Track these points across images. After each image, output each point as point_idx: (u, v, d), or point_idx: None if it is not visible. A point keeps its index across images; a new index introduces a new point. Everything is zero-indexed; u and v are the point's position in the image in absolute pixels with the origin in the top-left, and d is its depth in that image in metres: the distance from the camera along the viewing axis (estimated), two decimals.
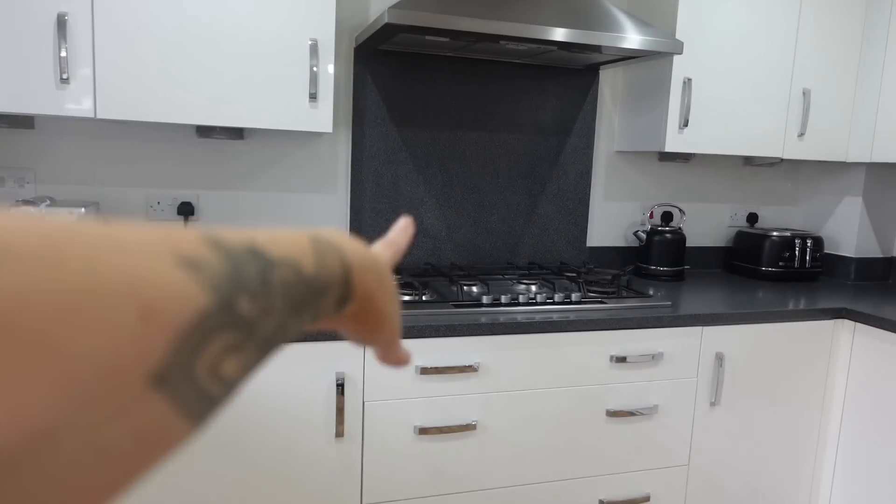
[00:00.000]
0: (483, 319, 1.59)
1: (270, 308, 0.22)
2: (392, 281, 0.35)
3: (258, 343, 0.22)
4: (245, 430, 1.45)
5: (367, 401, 1.53)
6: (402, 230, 0.42)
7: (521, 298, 1.71)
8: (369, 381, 1.52)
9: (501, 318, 1.60)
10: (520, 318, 1.62)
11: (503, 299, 1.69)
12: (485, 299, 1.68)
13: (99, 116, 1.51)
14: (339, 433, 1.50)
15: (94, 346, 0.17)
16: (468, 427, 1.60)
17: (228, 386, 0.21)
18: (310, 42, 1.62)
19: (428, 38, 1.70)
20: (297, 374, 1.47)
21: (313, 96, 1.64)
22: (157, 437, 0.19)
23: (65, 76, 1.46)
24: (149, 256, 0.19)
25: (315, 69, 1.62)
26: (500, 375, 1.62)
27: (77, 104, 1.49)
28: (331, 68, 1.65)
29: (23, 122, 1.72)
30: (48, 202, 1.61)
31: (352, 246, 0.31)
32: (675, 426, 1.79)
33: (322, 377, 1.49)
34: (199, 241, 0.21)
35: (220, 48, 1.57)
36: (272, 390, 1.46)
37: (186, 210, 1.87)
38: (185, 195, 1.88)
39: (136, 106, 1.53)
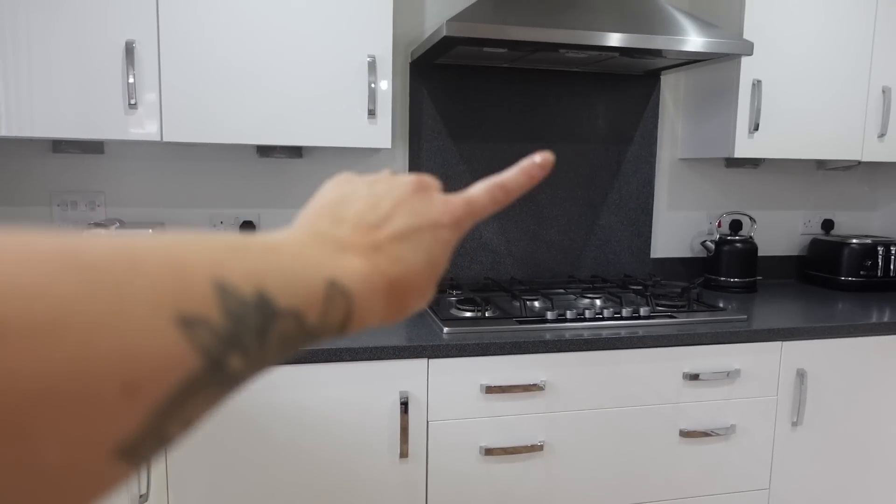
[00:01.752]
0: (548, 336, 1.54)
1: (261, 360, 0.22)
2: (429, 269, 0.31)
3: (233, 385, 0.22)
4: (309, 450, 1.44)
5: (432, 420, 1.49)
6: (523, 168, 0.35)
7: (587, 314, 1.65)
8: (434, 401, 1.49)
9: (567, 335, 1.55)
10: (586, 334, 1.56)
11: (568, 315, 1.63)
12: (549, 315, 1.63)
13: (165, 140, 1.54)
14: (404, 453, 1.48)
15: (69, 430, 0.17)
16: (534, 448, 1.54)
17: (187, 426, 0.20)
18: (368, 59, 1.62)
19: (485, 49, 1.68)
20: (360, 393, 1.45)
21: (371, 112, 1.63)
22: (98, 487, 0.18)
23: (132, 102, 1.50)
24: (149, 316, 0.19)
25: (373, 85, 1.62)
26: (566, 394, 1.56)
27: (144, 129, 1.52)
28: (388, 84, 1.64)
29: (93, 147, 1.77)
30: (117, 224, 1.64)
31: (369, 282, 0.28)
32: (753, 447, 1.69)
33: (386, 396, 1.47)
34: (206, 290, 0.20)
35: (279, 69, 1.58)
36: (336, 409, 1.44)
37: (248, 228, 1.89)
38: (247, 214, 1.91)
39: (199, 128, 1.55)
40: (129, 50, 1.48)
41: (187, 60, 1.53)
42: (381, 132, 1.65)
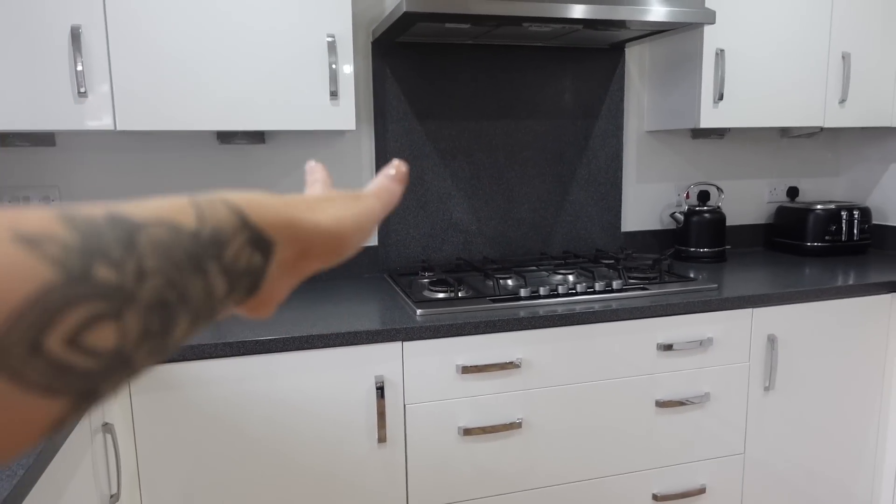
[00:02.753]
0: (522, 313, 1.53)
1: (143, 270, 0.22)
2: (351, 225, 0.34)
3: (153, 307, 0.22)
4: (286, 441, 1.42)
5: (409, 403, 1.48)
6: (389, 176, 0.40)
7: (560, 289, 1.65)
8: (410, 384, 1.47)
9: (541, 311, 1.54)
10: (560, 309, 1.56)
11: (541, 291, 1.63)
12: (522, 292, 1.62)
13: (119, 129, 1.48)
14: (382, 438, 1.46)
15: None
16: (513, 426, 1.54)
17: (106, 356, 0.20)
18: (328, 39, 1.57)
19: (448, 25, 1.64)
20: (335, 380, 1.43)
21: (334, 94, 1.59)
22: (7, 415, 0.18)
23: (82, 90, 1.43)
24: None
25: (334, 66, 1.58)
26: (543, 371, 1.56)
27: (96, 118, 1.46)
28: (350, 64, 1.60)
29: (44, 139, 1.70)
30: None
31: (248, 195, 0.29)
32: (728, 414, 1.71)
33: (361, 382, 1.44)
34: (48, 218, 0.20)
35: (236, 51, 1.53)
36: (311, 398, 1.42)
37: None
38: None
39: (156, 116, 1.50)
40: (76, 35, 1.42)
41: (138, 45, 1.47)
42: (344, 114, 1.61)
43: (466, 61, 1.99)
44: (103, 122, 1.47)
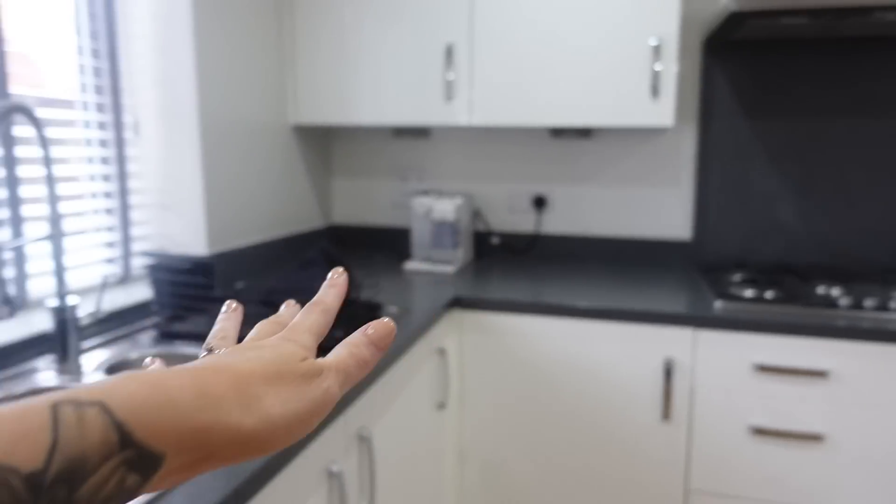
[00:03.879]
0: (840, 322, 1.44)
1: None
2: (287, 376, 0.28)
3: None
4: (576, 392, 1.61)
5: (697, 387, 1.53)
6: (364, 341, 0.34)
7: (893, 305, 1.49)
8: (699, 371, 1.53)
9: (864, 324, 1.43)
10: (893, 326, 1.42)
11: (866, 304, 1.50)
12: (842, 301, 1.52)
13: (473, 124, 1.84)
14: (666, 415, 1.55)
15: None
16: (813, 437, 1.47)
17: None
18: (652, 43, 1.69)
19: (784, 21, 1.61)
20: (626, 351, 1.56)
21: (655, 93, 1.71)
22: None
23: (450, 94, 1.83)
24: None
25: (657, 67, 1.69)
26: (857, 386, 1.44)
27: (459, 116, 1.85)
28: (673, 65, 1.69)
29: (421, 132, 2.19)
30: (438, 193, 2.02)
31: (147, 391, 0.23)
32: None
33: (650, 359, 1.55)
34: None
35: (570, 57, 1.76)
36: (603, 362, 1.58)
37: (540, 202, 2.12)
38: (540, 189, 2.14)
39: (502, 114, 1.82)
40: (449, 51, 1.82)
41: (494, 57, 1.80)
42: (663, 111, 1.72)
43: (806, 56, 1.89)
44: (463, 119, 1.85)
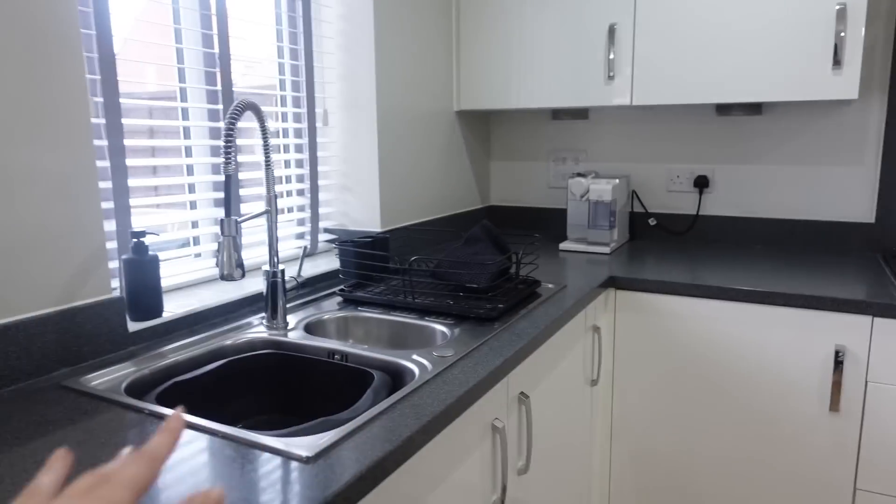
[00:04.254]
0: None
1: None
2: None
3: None
4: (735, 377, 1.58)
5: (871, 381, 1.45)
6: (166, 432, 0.36)
7: None
8: (876, 361, 1.44)
9: None
10: None
11: None
12: None
13: (634, 104, 1.84)
14: (835, 407, 1.48)
15: None
16: None
17: None
18: (837, 6, 1.58)
19: None
20: (792, 338, 1.51)
21: (837, 63, 1.60)
22: None
23: (611, 74, 1.85)
24: None
25: (842, 34, 1.58)
26: None
27: (619, 96, 1.86)
28: (860, 30, 1.57)
29: (580, 114, 2.22)
30: (594, 174, 2.05)
31: None
32: None
33: (819, 347, 1.48)
34: None
35: (740, 28, 1.69)
36: (766, 348, 1.54)
37: (702, 183, 2.07)
38: (702, 169, 2.08)
39: (664, 92, 1.80)
40: (612, 31, 1.83)
41: (656, 35, 1.79)
42: (847, 83, 1.60)
43: None
44: (623, 99, 1.86)
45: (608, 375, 1.72)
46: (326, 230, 1.83)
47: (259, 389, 1.15)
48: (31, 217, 0.97)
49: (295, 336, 1.20)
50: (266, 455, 0.74)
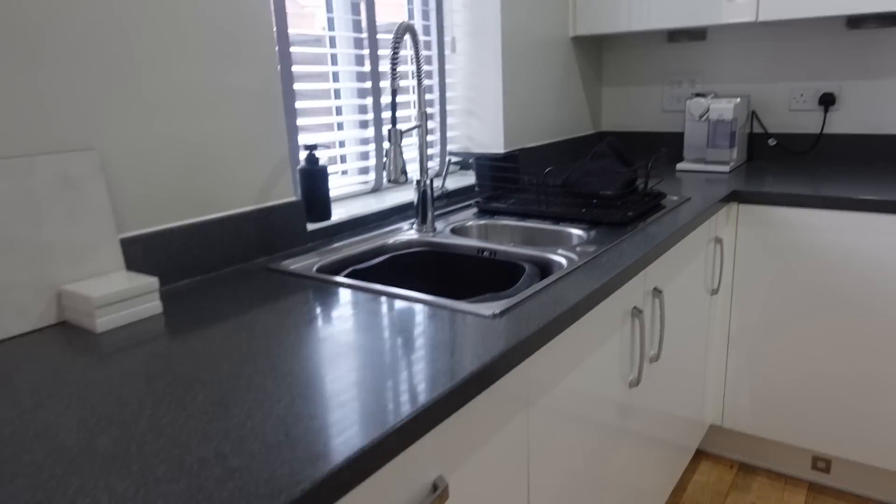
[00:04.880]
0: None
1: None
2: None
3: None
4: (856, 298, 1.60)
5: None
6: None
7: None
8: None
9: None
10: None
11: None
12: None
13: (760, 20, 1.83)
14: None
15: None
16: None
17: None
18: None
19: None
20: None
21: None
22: None
23: None
24: None
25: None
26: None
27: (741, 13, 1.84)
28: None
29: (698, 35, 2.20)
30: (713, 95, 2.05)
31: None
32: None
33: None
34: None
35: None
36: (893, 262, 1.55)
37: (827, 100, 2.03)
38: (828, 87, 2.04)
39: (793, 5, 1.77)
40: None
41: None
42: None
43: None
44: (747, 16, 1.84)
45: (727, 287, 1.78)
46: (451, 153, 1.96)
47: (418, 281, 1.31)
48: (235, 128, 1.14)
49: (443, 237, 1.34)
50: (460, 315, 0.88)
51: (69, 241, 0.91)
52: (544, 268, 1.18)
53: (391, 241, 1.33)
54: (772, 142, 2.16)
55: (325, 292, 1.00)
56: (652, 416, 1.38)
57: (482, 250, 1.27)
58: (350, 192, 1.62)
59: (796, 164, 2.04)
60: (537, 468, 0.93)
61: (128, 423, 0.62)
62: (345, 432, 0.58)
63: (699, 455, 2.01)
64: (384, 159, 1.24)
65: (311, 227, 1.31)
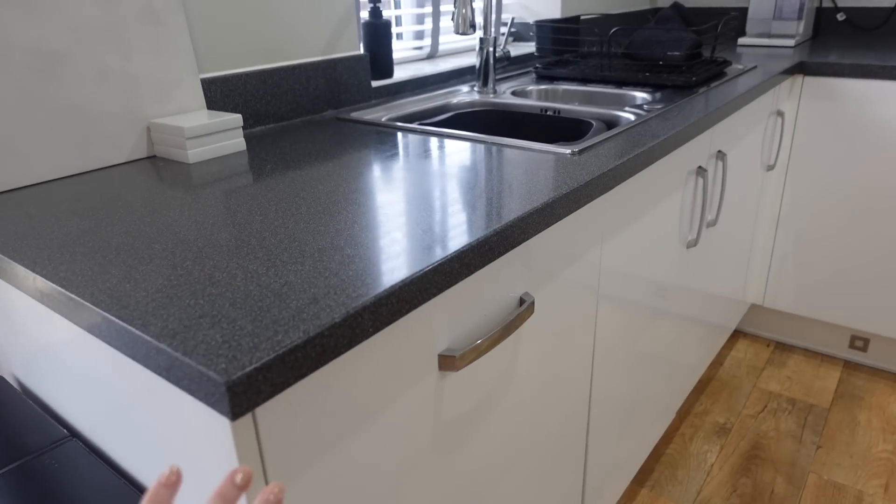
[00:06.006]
0: None
1: None
2: None
3: None
4: None
5: None
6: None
7: None
8: None
9: None
10: None
11: None
12: None
13: None
14: None
15: None
16: None
17: None
18: None
19: None
20: None
21: None
22: None
23: None
24: None
25: None
26: None
27: None
28: None
29: None
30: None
31: None
32: None
33: None
34: None
35: None
36: None
37: None
38: None
39: None
40: None
41: None
42: None
43: None
44: None
45: (783, 165, 1.76)
46: (503, 23, 1.91)
47: (485, 135, 1.32)
48: None
49: (505, 98, 1.33)
50: (541, 154, 0.90)
51: (156, 75, 0.93)
52: (611, 124, 1.17)
53: (454, 100, 1.33)
54: (840, 16, 2.05)
55: (405, 138, 1.01)
56: (703, 280, 1.41)
57: (546, 109, 1.26)
58: (405, 56, 1.60)
59: (865, 40, 1.95)
60: (604, 307, 0.97)
61: (242, 225, 0.66)
62: (449, 233, 0.62)
63: (736, 334, 2.07)
64: (453, 10, 1.22)
65: (374, 84, 1.31)
